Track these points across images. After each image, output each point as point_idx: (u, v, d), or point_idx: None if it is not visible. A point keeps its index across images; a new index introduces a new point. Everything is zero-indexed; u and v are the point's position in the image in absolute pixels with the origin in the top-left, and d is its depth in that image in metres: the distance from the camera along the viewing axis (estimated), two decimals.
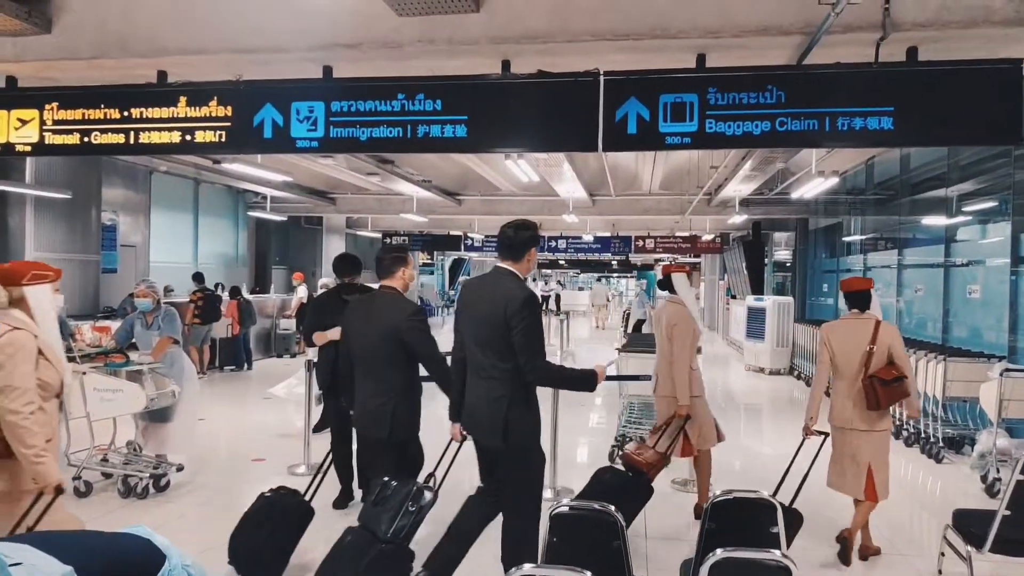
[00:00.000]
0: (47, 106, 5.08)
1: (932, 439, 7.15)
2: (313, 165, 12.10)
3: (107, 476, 5.78)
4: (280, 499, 4.17)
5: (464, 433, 3.69)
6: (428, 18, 4.70)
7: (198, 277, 11.97)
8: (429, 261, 31.72)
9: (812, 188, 10.56)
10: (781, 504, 3.15)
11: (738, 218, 15.17)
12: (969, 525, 3.81)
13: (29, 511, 2.88)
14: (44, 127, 5.09)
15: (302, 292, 13.95)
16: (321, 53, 4.87)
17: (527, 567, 2.06)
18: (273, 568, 3.92)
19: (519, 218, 3.64)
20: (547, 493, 5.59)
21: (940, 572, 4.12)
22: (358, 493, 5.47)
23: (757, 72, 4.29)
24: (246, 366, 12.78)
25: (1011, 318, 7.38)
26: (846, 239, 13.69)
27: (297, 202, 16.56)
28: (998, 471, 5.86)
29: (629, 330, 16.13)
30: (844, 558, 4.41)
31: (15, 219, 10.30)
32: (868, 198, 12.30)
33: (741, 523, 2.99)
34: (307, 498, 4.23)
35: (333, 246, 19.04)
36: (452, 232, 20.78)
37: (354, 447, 5.40)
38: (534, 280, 46.16)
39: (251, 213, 17.17)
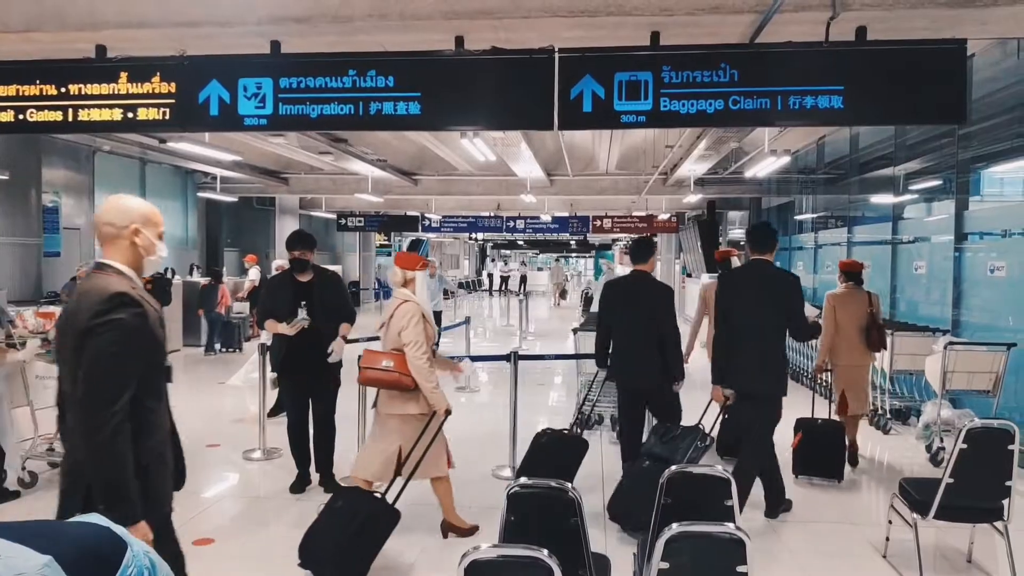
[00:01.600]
0: None
1: (880, 411, 7.36)
2: (263, 144, 11.79)
3: (53, 466, 5.60)
4: (554, 437, 5.01)
5: (726, 395, 4.64)
6: None
7: None
8: (386, 242, 31.39)
9: (765, 167, 10.71)
10: (739, 477, 3.21)
11: (693, 197, 15.32)
12: (915, 493, 3.93)
13: (427, 426, 4.12)
14: None
15: (254, 274, 13.68)
16: (269, 27, 4.71)
17: (484, 546, 2.03)
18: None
19: (764, 221, 4.25)
20: (505, 472, 5.61)
21: (888, 539, 4.24)
22: (315, 477, 5.42)
23: (711, 50, 4.30)
24: (205, 350, 12.53)
25: (954, 293, 7.62)
26: (798, 217, 13.93)
27: (248, 182, 16.17)
28: (942, 441, 6.06)
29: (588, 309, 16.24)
30: (854, 461, 5.90)
31: None
32: (819, 177, 12.53)
33: (696, 497, 3.02)
34: (579, 432, 5.38)
35: (287, 227, 18.65)
36: (409, 212, 20.53)
37: (311, 431, 5.34)
38: (492, 261, 46.03)
39: (201, 194, 16.70)
